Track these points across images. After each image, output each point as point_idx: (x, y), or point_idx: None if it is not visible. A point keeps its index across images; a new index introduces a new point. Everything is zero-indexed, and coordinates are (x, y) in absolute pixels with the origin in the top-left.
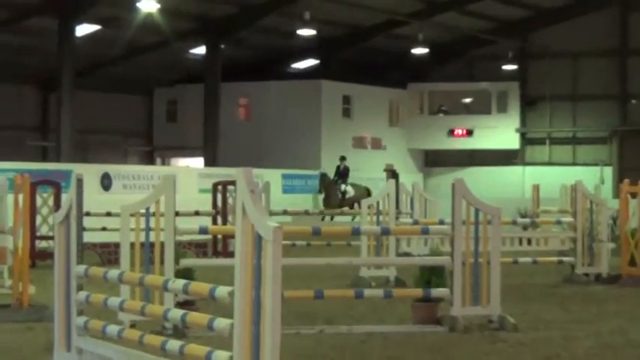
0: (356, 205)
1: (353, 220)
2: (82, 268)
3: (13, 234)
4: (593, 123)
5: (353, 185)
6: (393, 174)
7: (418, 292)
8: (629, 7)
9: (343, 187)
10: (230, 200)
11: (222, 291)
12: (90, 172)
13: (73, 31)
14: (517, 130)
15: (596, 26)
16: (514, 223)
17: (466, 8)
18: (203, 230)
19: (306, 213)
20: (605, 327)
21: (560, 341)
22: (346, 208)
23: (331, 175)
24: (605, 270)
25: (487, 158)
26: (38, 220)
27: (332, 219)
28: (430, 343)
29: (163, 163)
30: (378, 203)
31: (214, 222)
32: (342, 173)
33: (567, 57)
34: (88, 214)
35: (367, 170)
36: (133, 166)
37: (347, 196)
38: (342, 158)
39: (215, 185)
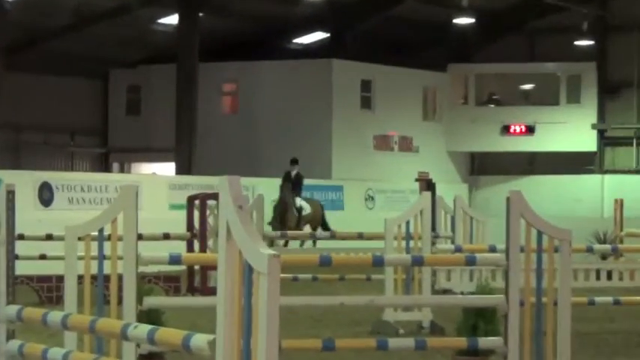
0: (307, 226)
1: (314, 245)
2: (14, 309)
3: None
4: None
5: (307, 200)
6: (428, 184)
7: (461, 342)
8: None
9: (298, 201)
10: (211, 219)
11: (199, 340)
12: (24, 182)
13: None
14: (594, 127)
15: None
16: (590, 250)
17: None
18: (175, 259)
19: (312, 236)
20: None
21: None
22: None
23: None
24: None
25: (553, 163)
26: None
27: (286, 244)
28: None
29: (122, 170)
30: (408, 223)
31: (190, 248)
32: (295, 183)
33: None
34: (22, 237)
35: (394, 179)
36: (81, 174)
37: (303, 213)
38: (294, 162)
39: (191, 199)
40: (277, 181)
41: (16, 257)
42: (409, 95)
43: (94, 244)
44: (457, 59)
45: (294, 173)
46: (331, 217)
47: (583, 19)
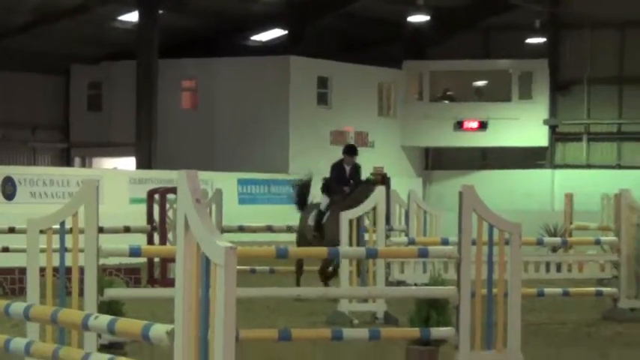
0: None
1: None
2: None
3: None
4: None
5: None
6: (382, 179)
7: (414, 332)
8: None
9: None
10: (170, 213)
11: (158, 330)
12: None
13: None
14: (545, 123)
15: None
16: (540, 243)
17: None
18: (135, 252)
19: (270, 229)
20: None
21: None
22: None
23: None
24: None
25: (505, 158)
26: None
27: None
28: None
29: (84, 165)
30: (361, 217)
31: (150, 241)
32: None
33: (612, 27)
34: None
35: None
36: (43, 168)
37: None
38: (350, 150)
39: (151, 193)
40: (237, 176)
41: None
42: (365, 91)
43: (56, 237)
44: (412, 56)
45: (348, 168)
46: (289, 210)
47: (535, 17)
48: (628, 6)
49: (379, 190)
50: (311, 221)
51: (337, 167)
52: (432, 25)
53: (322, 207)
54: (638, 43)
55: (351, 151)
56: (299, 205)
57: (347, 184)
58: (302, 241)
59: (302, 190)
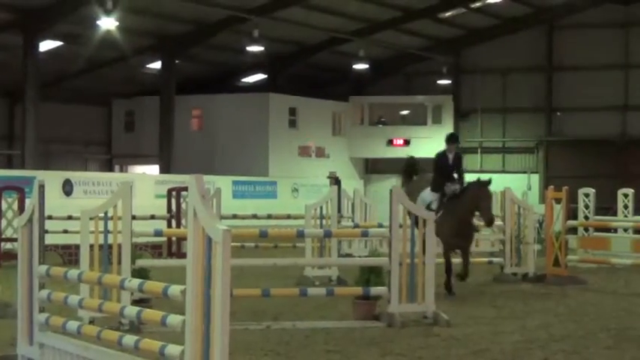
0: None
1: None
2: (44, 268)
3: None
4: (521, 134)
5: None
6: (335, 181)
7: (358, 290)
8: (553, 28)
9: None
10: (183, 205)
11: (175, 289)
12: (52, 179)
13: (37, 46)
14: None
15: (523, 44)
16: None
17: (403, 27)
18: (158, 233)
19: (254, 217)
20: (531, 323)
21: (490, 336)
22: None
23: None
24: (532, 270)
25: (423, 166)
26: (3, 223)
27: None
28: (369, 338)
29: (121, 171)
30: (321, 208)
31: (169, 225)
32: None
33: (497, 72)
34: (50, 217)
35: (312, 177)
36: (93, 173)
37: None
38: (451, 138)
39: (170, 191)
40: (231, 179)
41: (46, 232)
42: (322, 118)
43: (102, 223)
44: (356, 93)
45: (451, 156)
46: (267, 203)
47: (443, 65)
48: (508, 57)
49: (333, 189)
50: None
51: (440, 156)
52: (369, 71)
53: (433, 206)
54: (514, 84)
55: (452, 139)
56: (405, 178)
57: (450, 173)
58: None
59: (408, 168)
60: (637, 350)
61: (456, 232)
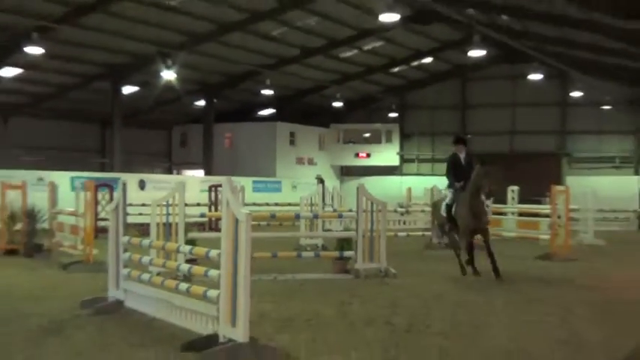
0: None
1: None
2: (126, 238)
3: (84, 217)
4: (444, 149)
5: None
6: (320, 180)
7: (335, 254)
8: (465, 79)
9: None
10: (219, 196)
11: (213, 253)
12: (132, 179)
13: (120, 90)
14: (397, 153)
15: (445, 90)
16: (395, 211)
17: (366, 78)
18: (202, 215)
19: (267, 204)
20: (449, 273)
21: (423, 284)
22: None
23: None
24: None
25: (379, 171)
26: (99, 208)
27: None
28: (343, 285)
29: (177, 173)
30: (311, 198)
31: (209, 210)
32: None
33: (428, 108)
34: (130, 204)
35: (305, 178)
36: (158, 175)
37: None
38: (457, 140)
39: (210, 187)
40: (252, 179)
41: (127, 214)
42: (312, 138)
43: (164, 208)
44: (334, 121)
45: (462, 156)
46: (275, 196)
47: (392, 103)
48: (435, 98)
49: (319, 187)
50: (443, 212)
51: (452, 157)
52: (343, 107)
53: (448, 201)
54: (440, 116)
55: (458, 140)
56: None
57: (462, 171)
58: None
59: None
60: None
61: (471, 216)
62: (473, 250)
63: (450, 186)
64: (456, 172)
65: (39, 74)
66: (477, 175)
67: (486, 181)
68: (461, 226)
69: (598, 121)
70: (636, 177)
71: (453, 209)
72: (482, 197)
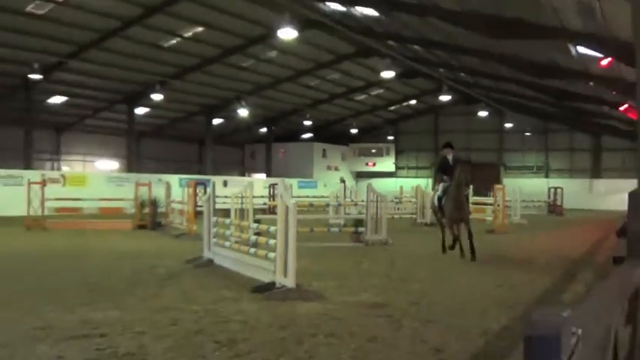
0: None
1: None
2: (215, 218)
3: (187, 204)
4: (425, 160)
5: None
6: (342, 181)
7: (352, 229)
8: (437, 114)
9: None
10: (276, 191)
11: (272, 229)
12: (218, 179)
13: (211, 121)
14: (393, 163)
15: (425, 121)
16: (392, 201)
17: (373, 113)
18: (264, 204)
19: (306, 197)
20: (429, 242)
21: (412, 249)
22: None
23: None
24: (429, 220)
25: (381, 175)
26: (198, 199)
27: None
28: (357, 250)
29: (248, 176)
30: (336, 193)
31: (269, 200)
32: (454, 164)
33: (414, 133)
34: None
35: (333, 180)
36: (236, 177)
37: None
38: (446, 145)
39: (270, 185)
40: (297, 180)
41: (215, 202)
42: (336, 153)
43: (239, 199)
44: (351, 142)
45: (450, 158)
46: (313, 191)
47: (390, 129)
48: (418, 126)
49: (342, 185)
50: (435, 202)
51: (441, 159)
52: (358, 132)
53: (439, 193)
54: (422, 139)
55: (446, 145)
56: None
57: (450, 170)
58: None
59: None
60: None
61: (455, 208)
62: (457, 238)
63: (439, 181)
64: (445, 171)
65: (159, 111)
66: (458, 175)
67: (463, 175)
68: (447, 216)
69: (522, 142)
70: (546, 179)
71: (443, 201)
72: (465, 192)
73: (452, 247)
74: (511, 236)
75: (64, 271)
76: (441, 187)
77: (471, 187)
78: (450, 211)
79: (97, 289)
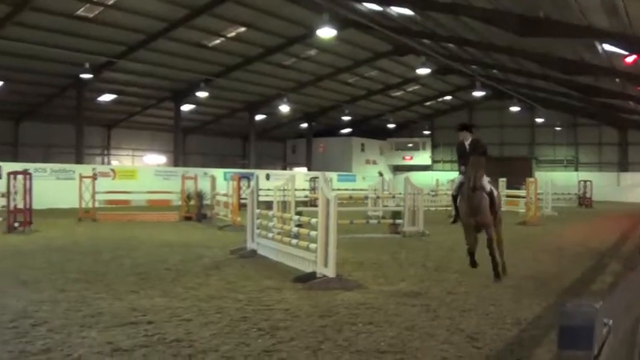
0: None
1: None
2: (258, 210)
3: (232, 197)
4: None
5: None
6: (381, 174)
7: (390, 221)
8: (471, 109)
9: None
10: (317, 184)
11: (314, 220)
12: (261, 173)
13: (254, 117)
14: (430, 157)
15: (458, 116)
16: (428, 194)
17: (410, 109)
18: (306, 196)
19: (346, 190)
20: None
21: (447, 240)
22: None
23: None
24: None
25: (418, 168)
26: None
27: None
28: (395, 241)
29: (290, 169)
30: (375, 186)
31: (310, 193)
32: (472, 149)
33: (448, 128)
34: (260, 189)
35: (372, 173)
36: (278, 171)
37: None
38: (460, 127)
39: (311, 178)
40: (337, 173)
41: (259, 195)
42: (375, 147)
43: (282, 192)
44: (389, 136)
45: (467, 143)
46: (352, 184)
47: (426, 124)
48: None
49: (380, 179)
50: (452, 200)
51: (457, 145)
52: (395, 127)
53: (453, 191)
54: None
55: (461, 127)
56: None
57: (467, 159)
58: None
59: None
60: None
61: (466, 211)
62: (472, 250)
63: (460, 172)
64: (463, 159)
65: (204, 108)
66: (470, 167)
67: (475, 169)
68: (462, 222)
69: (553, 136)
70: (576, 172)
71: (458, 201)
72: (486, 187)
73: (472, 263)
74: (543, 228)
75: (114, 261)
76: (457, 181)
77: (503, 179)
78: (463, 215)
79: (146, 277)
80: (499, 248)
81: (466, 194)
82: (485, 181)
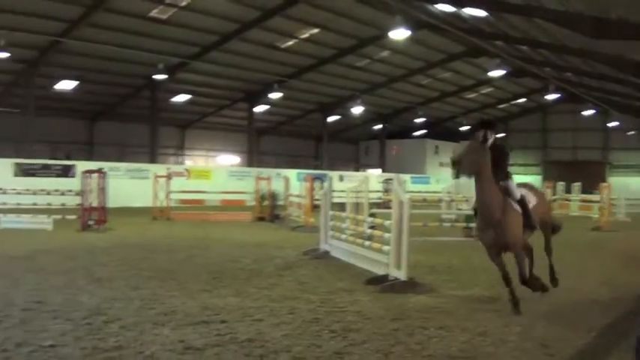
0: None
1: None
2: (331, 212)
3: (305, 198)
4: (534, 158)
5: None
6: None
7: (464, 224)
8: (545, 112)
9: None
10: (390, 186)
11: (387, 222)
12: (335, 174)
13: (327, 118)
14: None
15: (532, 119)
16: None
17: (482, 111)
18: (380, 198)
19: (419, 192)
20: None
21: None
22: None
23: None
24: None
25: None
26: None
27: None
28: (468, 245)
29: (363, 171)
30: (449, 190)
31: (384, 195)
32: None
33: (522, 132)
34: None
35: (445, 176)
36: (352, 172)
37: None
38: (483, 125)
39: (384, 180)
40: (410, 175)
41: (332, 197)
42: (448, 149)
43: (355, 193)
44: (462, 139)
45: (491, 142)
46: (425, 187)
47: (499, 127)
48: (526, 125)
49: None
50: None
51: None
52: (469, 129)
53: (474, 204)
54: (530, 136)
55: (482, 125)
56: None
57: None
58: None
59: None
60: None
61: (481, 228)
62: (505, 274)
63: None
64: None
65: (277, 109)
66: (483, 181)
67: (467, 159)
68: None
69: (627, 141)
70: None
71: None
72: (514, 194)
73: (513, 300)
74: (616, 234)
75: (187, 260)
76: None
77: (577, 184)
78: (479, 235)
79: (218, 277)
80: (548, 257)
81: (480, 209)
82: (513, 185)
